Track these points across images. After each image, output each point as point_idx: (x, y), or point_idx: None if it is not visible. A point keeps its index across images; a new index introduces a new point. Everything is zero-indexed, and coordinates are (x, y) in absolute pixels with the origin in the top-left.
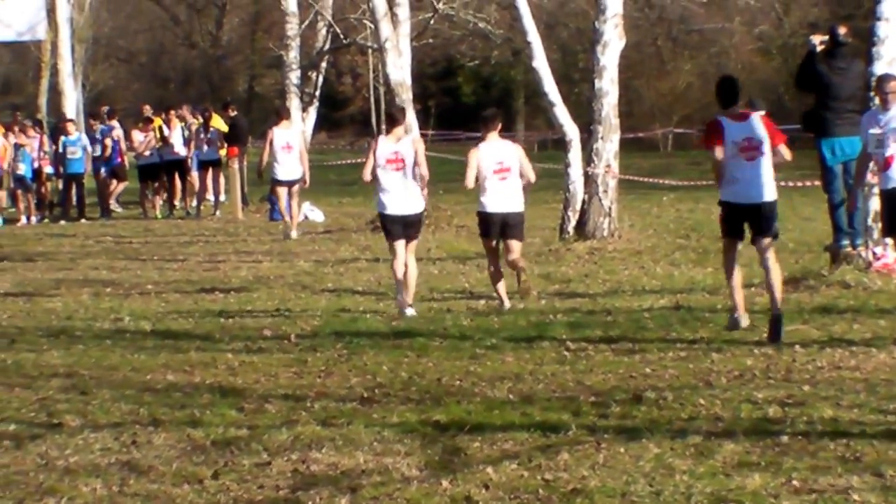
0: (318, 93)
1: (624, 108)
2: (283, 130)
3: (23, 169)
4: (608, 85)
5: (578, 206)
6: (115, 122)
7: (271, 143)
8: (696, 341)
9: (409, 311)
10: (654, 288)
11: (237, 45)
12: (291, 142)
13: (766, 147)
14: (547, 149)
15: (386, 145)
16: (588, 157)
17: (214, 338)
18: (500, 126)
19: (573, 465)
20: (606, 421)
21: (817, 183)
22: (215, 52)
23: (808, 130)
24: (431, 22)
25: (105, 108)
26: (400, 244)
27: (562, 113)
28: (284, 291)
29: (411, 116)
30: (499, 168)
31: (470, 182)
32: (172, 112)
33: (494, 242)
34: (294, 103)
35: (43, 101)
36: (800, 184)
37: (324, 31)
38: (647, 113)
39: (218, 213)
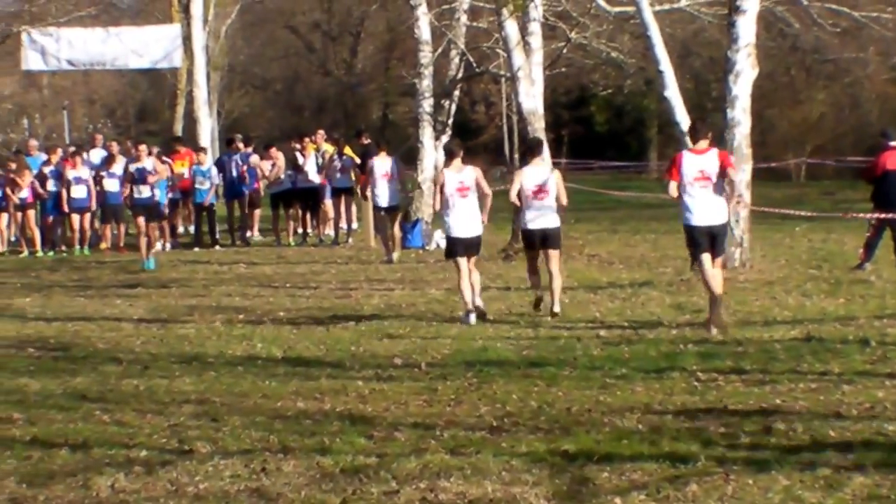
0: (450, 121)
1: (757, 137)
2: (381, 160)
3: (158, 195)
4: (740, 115)
5: None
6: (247, 149)
7: (371, 173)
8: (826, 373)
9: (472, 319)
10: (786, 318)
11: (371, 73)
12: (390, 170)
13: (716, 177)
14: None
15: (452, 176)
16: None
17: (345, 365)
18: (542, 153)
19: (702, 496)
20: (736, 452)
21: None
22: (349, 79)
23: None
24: (564, 51)
25: (238, 136)
26: (462, 261)
27: None
28: (415, 320)
29: (544, 146)
30: (537, 189)
31: (512, 196)
32: (307, 139)
33: (535, 252)
34: (427, 132)
35: (179, 128)
36: None
37: (457, 60)
38: (780, 143)
39: (350, 240)
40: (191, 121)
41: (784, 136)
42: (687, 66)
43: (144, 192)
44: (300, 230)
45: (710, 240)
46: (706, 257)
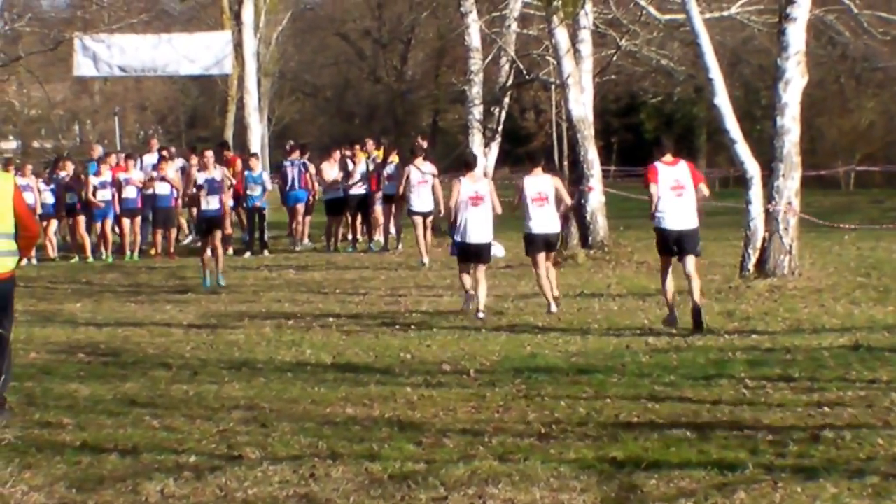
0: (500, 128)
1: (806, 145)
2: (417, 166)
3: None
4: (790, 122)
5: (759, 244)
6: (298, 157)
7: (408, 179)
8: (875, 381)
9: (481, 315)
10: (834, 326)
11: (421, 80)
12: (426, 176)
13: (690, 186)
14: (728, 186)
15: (468, 186)
16: (769, 195)
17: (394, 372)
18: (543, 163)
19: (749, 503)
20: (784, 460)
21: None
22: (400, 86)
23: None
24: (614, 58)
25: (290, 143)
26: (469, 265)
27: (743, 150)
28: (464, 326)
29: (593, 153)
30: (538, 196)
31: (516, 204)
32: (357, 146)
33: (539, 255)
34: (476, 138)
35: (229, 134)
36: None
37: (507, 67)
38: (830, 150)
39: (400, 247)
40: (241, 127)
41: (833, 143)
42: (737, 74)
43: (213, 203)
44: (350, 236)
45: (678, 243)
46: (670, 265)
